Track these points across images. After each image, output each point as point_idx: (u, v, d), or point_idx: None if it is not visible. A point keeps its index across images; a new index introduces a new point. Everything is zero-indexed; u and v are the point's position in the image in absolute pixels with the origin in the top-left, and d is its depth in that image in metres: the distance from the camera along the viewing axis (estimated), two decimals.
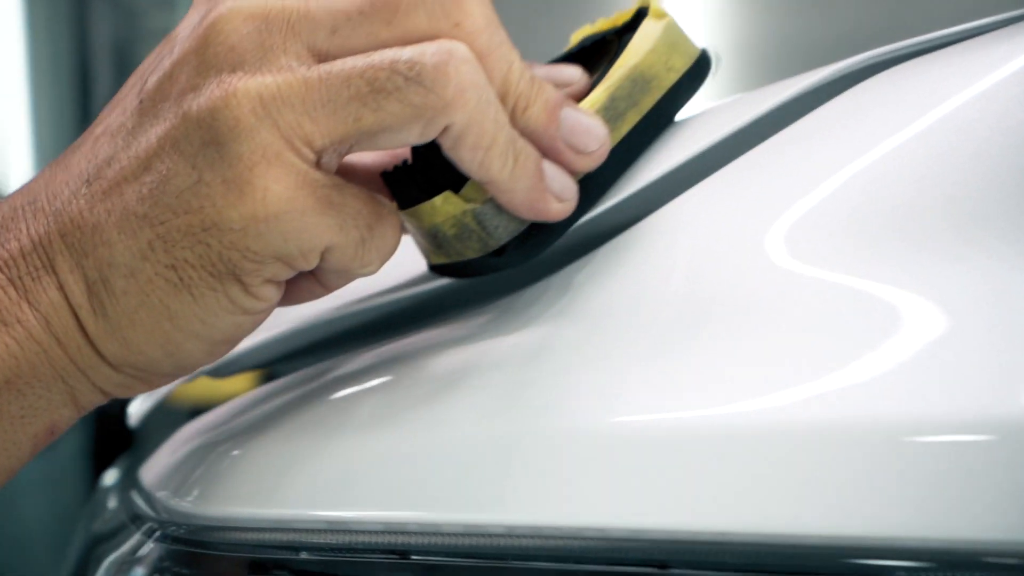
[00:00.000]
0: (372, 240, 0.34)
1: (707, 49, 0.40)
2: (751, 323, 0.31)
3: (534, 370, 0.34)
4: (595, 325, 0.35)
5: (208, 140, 0.31)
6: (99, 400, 0.35)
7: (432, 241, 0.37)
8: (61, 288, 0.33)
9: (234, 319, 0.33)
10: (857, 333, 0.30)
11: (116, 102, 0.35)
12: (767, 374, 0.30)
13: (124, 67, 2.80)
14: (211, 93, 0.31)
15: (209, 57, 0.32)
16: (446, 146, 0.33)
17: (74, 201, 0.33)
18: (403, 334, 0.42)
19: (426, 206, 0.36)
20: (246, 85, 0.31)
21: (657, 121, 0.38)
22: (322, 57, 0.33)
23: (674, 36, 0.39)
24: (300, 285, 0.36)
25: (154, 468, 0.46)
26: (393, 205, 0.36)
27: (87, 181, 0.33)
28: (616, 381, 0.32)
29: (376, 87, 0.32)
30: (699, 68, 0.39)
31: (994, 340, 0.29)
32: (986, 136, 0.33)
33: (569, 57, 0.42)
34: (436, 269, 0.39)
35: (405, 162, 0.38)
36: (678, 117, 0.40)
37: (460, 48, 0.32)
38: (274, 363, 0.48)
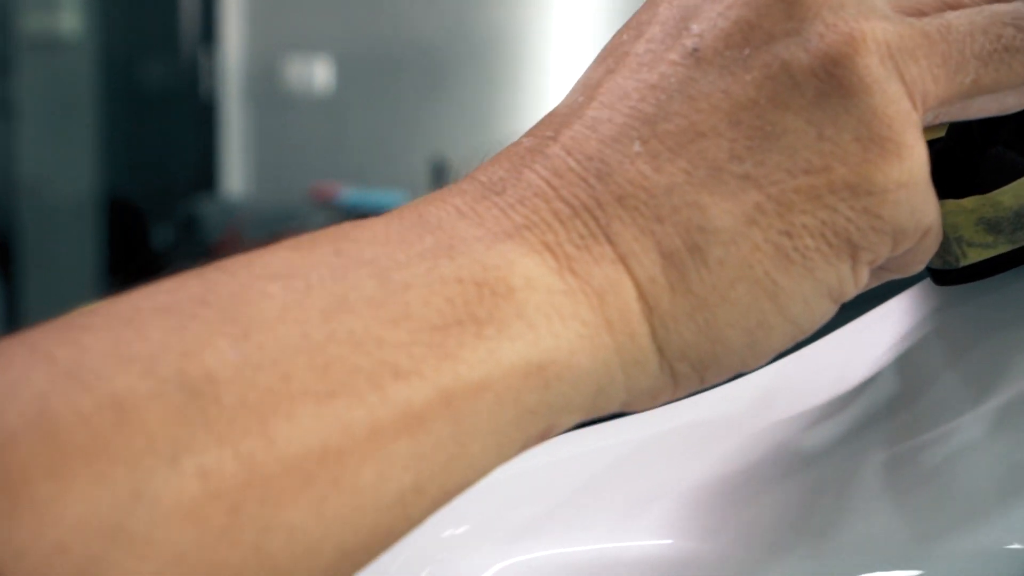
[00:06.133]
0: (935, 231, 0.30)
1: None
2: None
3: None
4: None
5: (826, 92, 0.27)
6: (610, 409, 0.29)
7: (993, 228, 0.34)
8: (622, 260, 0.27)
9: (826, 307, 0.29)
10: None
11: (627, 56, 0.30)
12: None
13: None
14: (827, 39, 0.27)
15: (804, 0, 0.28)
16: None
17: (627, 162, 0.28)
18: None
19: (1017, 184, 0.33)
20: (873, 30, 0.27)
21: None
22: (908, 11, 0.29)
23: None
24: None
25: None
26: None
27: (640, 140, 0.28)
28: None
29: (1003, 44, 0.29)
30: None
31: None
32: None
33: None
34: (968, 271, 0.35)
35: (944, 147, 0.34)
36: None
37: None
38: None
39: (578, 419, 0.28)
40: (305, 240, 0.27)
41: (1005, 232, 0.34)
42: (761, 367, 0.33)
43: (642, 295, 0.27)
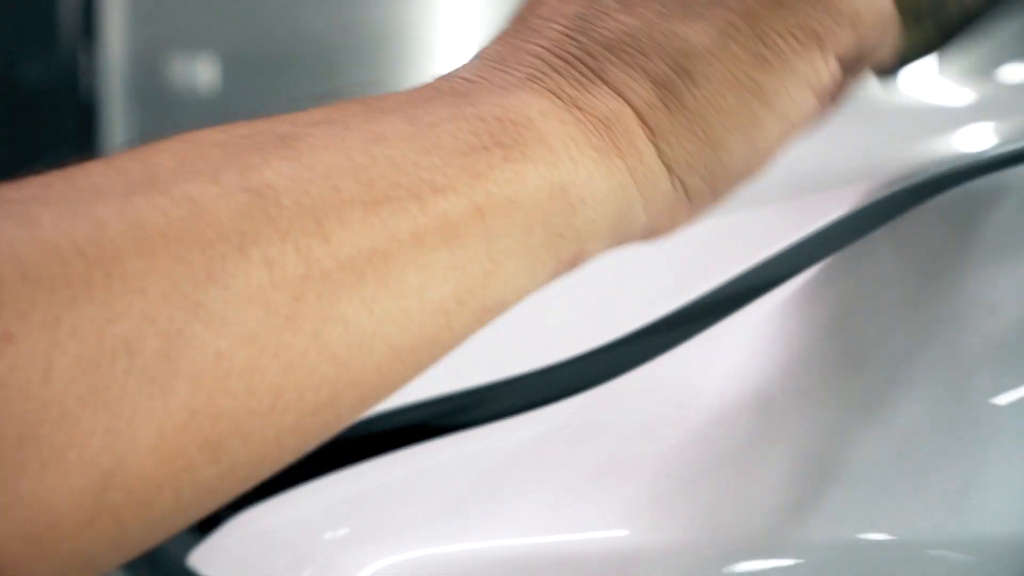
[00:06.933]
0: (889, 14, 0.34)
1: None
2: None
3: None
4: None
5: None
6: (634, 235, 0.33)
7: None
8: (620, 94, 0.31)
9: (809, 98, 0.33)
10: None
11: None
12: None
13: None
14: None
15: None
16: None
17: (605, 16, 0.32)
18: None
19: None
20: None
21: None
22: None
23: None
24: None
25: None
26: None
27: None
28: None
29: None
30: None
31: None
32: None
33: None
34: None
35: None
36: None
37: None
38: None
39: (605, 247, 0.32)
40: (334, 104, 0.30)
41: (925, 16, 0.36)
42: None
43: (642, 119, 0.31)
